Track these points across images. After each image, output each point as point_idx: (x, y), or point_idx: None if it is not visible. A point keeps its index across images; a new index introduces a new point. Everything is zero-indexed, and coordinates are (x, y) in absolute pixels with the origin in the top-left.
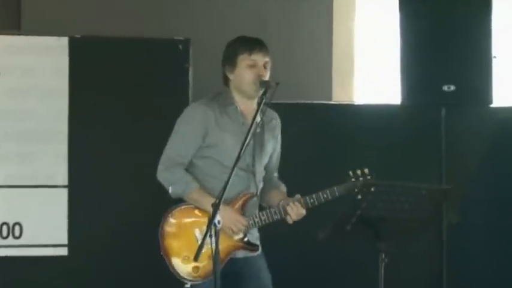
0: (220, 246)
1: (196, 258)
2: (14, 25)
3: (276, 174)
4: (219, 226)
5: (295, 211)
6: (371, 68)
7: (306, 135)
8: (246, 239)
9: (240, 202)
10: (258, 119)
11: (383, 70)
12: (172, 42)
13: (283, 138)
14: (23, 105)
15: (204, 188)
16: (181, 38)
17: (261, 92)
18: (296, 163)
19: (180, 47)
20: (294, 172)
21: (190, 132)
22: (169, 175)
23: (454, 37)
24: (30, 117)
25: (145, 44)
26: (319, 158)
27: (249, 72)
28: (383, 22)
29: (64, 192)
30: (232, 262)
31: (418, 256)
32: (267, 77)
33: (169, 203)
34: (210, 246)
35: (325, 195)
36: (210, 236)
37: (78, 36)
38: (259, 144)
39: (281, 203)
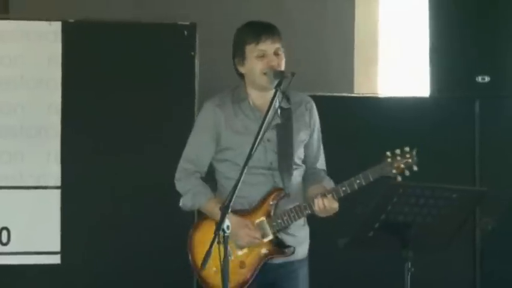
0: (250, 251)
1: (203, 266)
2: (1, 8)
3: (320, 167)
4: (227, 232)
5: (326, 203)
6: (397, 57)
7: (325, 130)
8: (276, 241)
9: (268, 203)
10: (278, 109)
11: (410, 59)
12: (176, 28)
13: None
14: (10, 98)
15: (225, 194)
16: (186, 22)
17: (274, 83)
18: None
19: (185, 32)
20: None
21: (201, 138)
22: (181, 186)
23: (488, 23)
24: (18, 111)
25: (147, 29)
26: (340, 155)
27: (259, 63)
28: (410, 7)
29: (56, 194)
30: (269, 269)
31: (448, 265)
32: (281, 65)
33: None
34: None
35: (358, 181)
36: (218, 243)
37: (72, 20)
38: (283, 137)
39: (311, 195)
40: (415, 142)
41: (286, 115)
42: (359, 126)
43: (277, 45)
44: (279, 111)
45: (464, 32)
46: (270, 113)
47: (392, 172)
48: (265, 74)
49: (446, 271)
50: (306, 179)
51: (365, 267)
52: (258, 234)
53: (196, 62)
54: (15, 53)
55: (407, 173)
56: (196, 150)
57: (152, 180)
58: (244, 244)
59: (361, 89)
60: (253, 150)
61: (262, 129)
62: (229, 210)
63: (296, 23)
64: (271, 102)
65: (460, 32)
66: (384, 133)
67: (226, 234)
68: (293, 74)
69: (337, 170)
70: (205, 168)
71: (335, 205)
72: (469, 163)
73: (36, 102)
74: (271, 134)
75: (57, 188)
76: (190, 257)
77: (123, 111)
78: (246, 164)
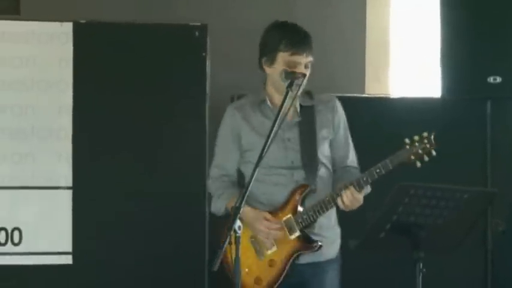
0: (279, 249)
1: (212, 266)
2: (12, 9)
3: (352, 164)
4: (239, 232)
5: (349, 196)
6: (408, 57)
7: None
8: (303, 236)
9: (295, 200)
10: (298, 107)
11: (421, 60)
12: (187, 29)
13: None
14: (21, 99)
15: (251, 195)
16: (197, 23)
17: (286, 84)
18: None
19: (197, 33)
20: None
21: (222, 141)
22: (210, 191)
23: (501, 23)
24: (30, 112)
25: (158, 30)
26: None
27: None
28: (422, 7)
29: (68, 195)
30: (297, 270)
31: (459, 266)
32: (306, 76)
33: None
34: (258, 255)
35: (377, 170)
36: (230, 243)
37: (83, 21)
38: (307, 135)
39: (336, 189)
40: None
41: (309, 113)
42: (370, 127)
43: (310, 58)
44: (298, 109)
45: (475, 33)
46: (281, 112)
47: (411, 158)
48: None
49: (458, 272)
50: (336, 177)
51: (376, 268)
52: (276, 226)
53: (208, 63)
54: (26, 54)
55: (426, 158)
56: (221, 155)
57: (163, 180)
58: (264, 236)
59: (372, 89)
60: (265, 150)
61: (274, 129)
62: (243, 208)
63: (307, 25)
64: (282, 102)
65: (471, 33)
66: (395, 134)
67: (238, 235)
68: (304, 75)
69: None
70: (232, 172)
71: (359, 196)
72: (481, 164)
73: (47, 104)
74: (292, 133)
75: (68, 188)
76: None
77: (134, 112)
78: (257, 163)
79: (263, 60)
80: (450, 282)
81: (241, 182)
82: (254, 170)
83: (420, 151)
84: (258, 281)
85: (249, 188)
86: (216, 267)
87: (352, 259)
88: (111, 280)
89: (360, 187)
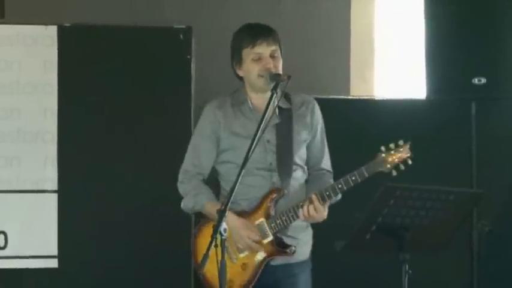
0: (252, 253)
1: (200, 268)
2: None
3: (325, 167)
4: (225, 235)
5: (311, 211)
6: (393, 58)
7: None
8: (277, 241)
9: (267, 204)
10: (276, 110)
11: (406, 61)
12: (172, 31)
13: None
14: (7, 102)
15: (226, 194)
16: (182, 26)
17: (271, 85)
18: None
19: (181, 36)
20: None
21: (201, 140)
22: (183, 188)
23: (485, 24)
24: (15, 116)
25: (143, 33)
26: (337, 157)
27: (255, 66)
28: (406, 8)
29: (53, 198)
30: (269, 270)
31: (445, 267)
32: (278, 67)
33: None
34: (230, 258)
35: (353, 178)
36: (215, 246)
37: (68, 24)
38: (284, 137)
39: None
40: (412, 144)
41: (287, 115)
42: (355, 129)
43: (273, 47)
44: (277, 111)
45: (460, 33)
46: (267, 115)
47: (387, 167)
48: (261, 76)
49: (444, 273)
50: (309, 179)
51: (363, 269)
52: (257, 237)
53: (193, 65)
54: (11, 57)
55: (402, 167)
56: (198, 153)
57: (149, 183)
58: (243, 246)
59: (357, 91)
60: (251, 152)
61: (259, 131)
62: (227, 212)
63: (292, 26)
64: (267, 105)
65: (455, 33)
66: (381, 135)
67: (223, 237)
68: (289, 77)
69: (334, 172)
70: (207, 171)
71: (321, 211)
72: (466, 165)
73: (33, 107)
74: (271, 135)
75: (54, 191)
76: (193, 259)
77: (119, 114)
78: (243, 166)
79: (233, 64)
80: (437, 283)
81: (212, 181)
82: (239, 173)
83: (396, 159)
84: (230, 283)
85: (234, 191)
86: (202, 269)
87: (339, 260)
88: (97, 284)
89: (335, 193)
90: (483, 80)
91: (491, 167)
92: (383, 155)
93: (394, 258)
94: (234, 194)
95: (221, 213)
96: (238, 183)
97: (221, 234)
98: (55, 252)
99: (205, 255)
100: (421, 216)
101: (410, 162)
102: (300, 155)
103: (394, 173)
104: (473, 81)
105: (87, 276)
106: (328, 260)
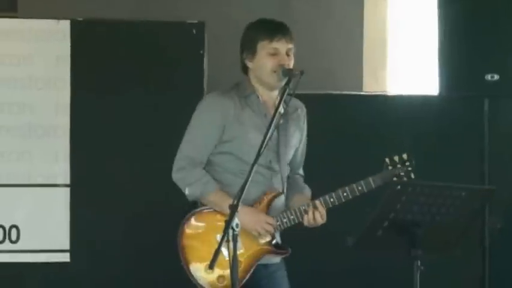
0: (246, 252)
1: (211, 266)
2: (9, 7)
3: (301, 172)
4: (237, 230)
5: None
6: (405, 55)
7: (333, 129)
8: (274, 241)
9: (265, 201)
10: (282, 110)
11: (419, 58)
12: (185, 26)
13: (309, 132)
14: (19, 97)
15: (221, 186)
16: (195, 21)
17: (283, 82)
18: (323, 159)
19: (194, 31)
20: (322, 169)
21: (210, 127)
22: (186, 175)
23: (498, 21)
24: (28, 110)
25: (155, 28)
26: (348, 154)
27: (270, 61)
28: (419, 4)
29: (66, 192)
30: (264, 268)
31: (457, 264)
32: (290, 65)
33: (184, 206)
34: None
35: (359, 188)
36: (227, 241)
37: (80, 19)
38: (283, 137)
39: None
40: (424, 141)
41: (285, 118)
42: (368, 125)
43: (290, 45)
44: (282, 111)
45: (473, 30)
46: (278, 110)
47: (393, 180)
48: (275, 72)
49: (455, 270)
50: (289, 184)
51: (374, 265)
52: (273, 222)
53: (205, 60)
54: (23, 52)
55: (405, 179)
56: (204, 140)
57: (161, 179)
58: (263, 232)
59: (369, 87)
60: (263, 148)
61: (273, 125)
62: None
63: (305, 22)
64: (279, 101)
65: (468, 30)
66: (393, 131)
67: (235, 233)
68: (302, 72)
69: (345, 169)
70: (205, 160)
71: (325, 219)
72: (478, 162)
73: (45, 102)
74: (274, 133)
75: (66, 186)
76: (180, 253)
77: (131, 110)
78: (255, 161)
79: (244, 55)
80: (448, 280)
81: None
82: (252, 167)
83: (402, 173)
84: (220, 279)
85: (246, 187)
86: (213, 266)
87: (350, 256)
88: (109, 278)
89: (338, 200)
90: (496, 77)
91: (504, 164)
92: (390, 167)
93: (404, 254)
94: (245, 189)
95: (233, 208)
96: (249, 180)
97: (233, 230)
98: (67, 246)
99: (216, 252)
100: (433, 213)
101: (413, 176)
102: (289, 158)
103: (399, 187)
104: (486, 77)
105: (99, 270)
106: (339, 255)
